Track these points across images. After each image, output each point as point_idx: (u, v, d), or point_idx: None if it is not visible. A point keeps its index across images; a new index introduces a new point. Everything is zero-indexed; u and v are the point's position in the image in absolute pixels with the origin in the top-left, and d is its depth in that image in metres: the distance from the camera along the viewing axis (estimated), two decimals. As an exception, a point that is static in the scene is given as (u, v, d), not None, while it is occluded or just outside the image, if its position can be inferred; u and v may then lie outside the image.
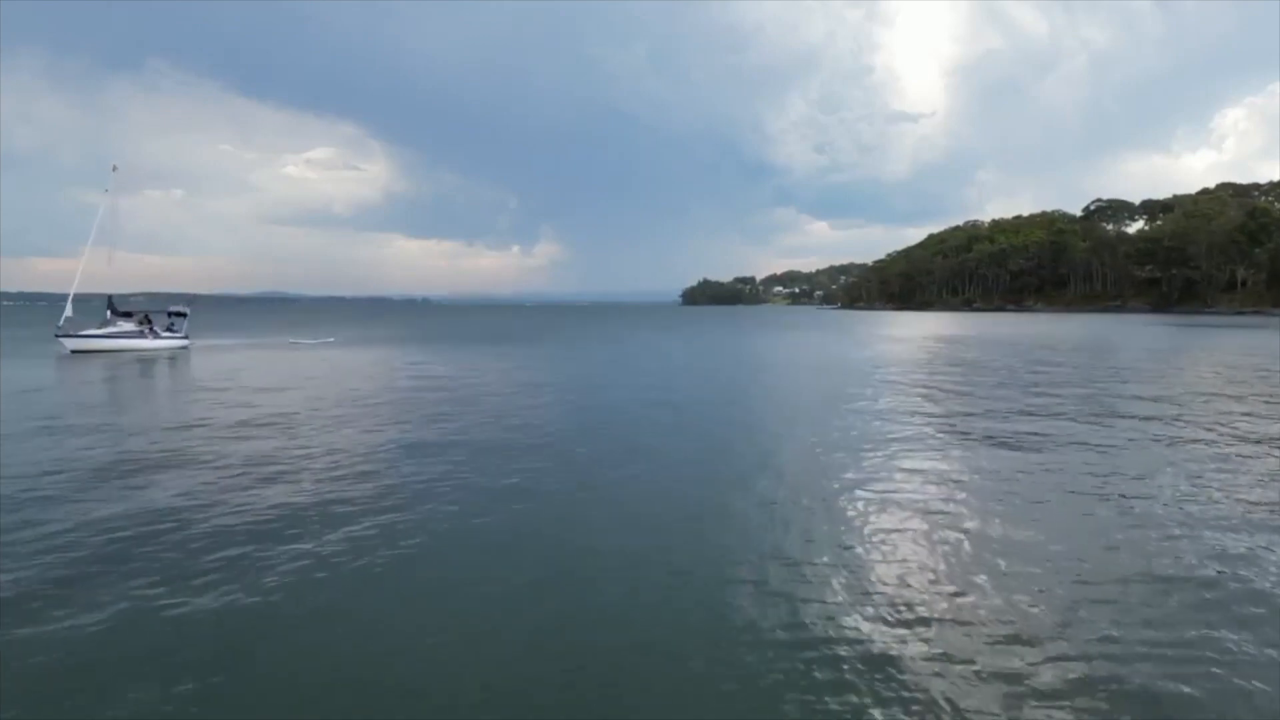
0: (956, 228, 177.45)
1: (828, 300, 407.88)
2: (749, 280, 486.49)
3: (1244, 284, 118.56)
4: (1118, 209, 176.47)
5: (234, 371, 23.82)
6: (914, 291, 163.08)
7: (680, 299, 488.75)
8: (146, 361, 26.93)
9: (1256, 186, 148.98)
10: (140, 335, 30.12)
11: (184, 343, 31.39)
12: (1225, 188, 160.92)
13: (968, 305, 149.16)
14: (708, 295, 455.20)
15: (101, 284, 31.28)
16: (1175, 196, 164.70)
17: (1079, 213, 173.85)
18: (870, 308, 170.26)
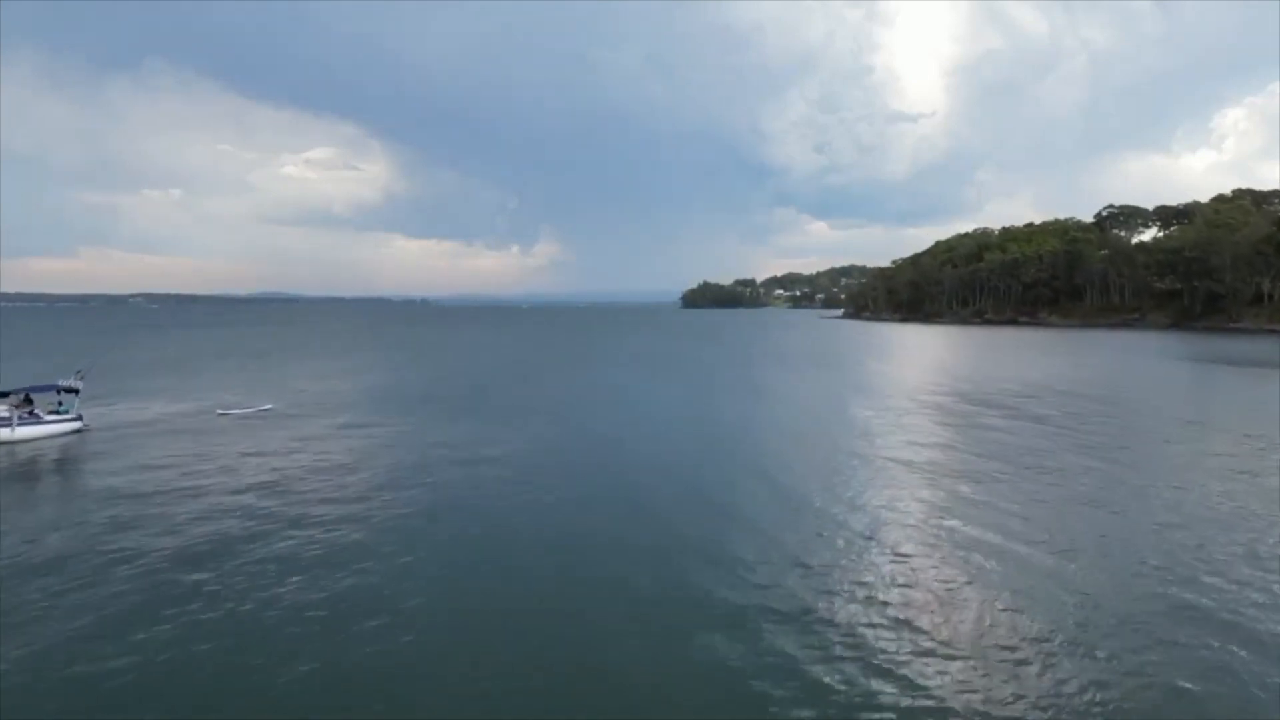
0: (965, 234, 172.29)
1: (829, 303, 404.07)
2: (749, 283, 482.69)
3: (1271, 298, 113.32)
4: (1130, 215, 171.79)
5: (122, 482, 18.64)
6: (922, 301, 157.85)
7: (680, 301, 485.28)
8: (20, 464, 21.50)
9: (1278, 194, 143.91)
10: (8, 423, 23.87)
11: (76, 425, 25.36)
12: (1244, 194, 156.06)
13: (979, 317, 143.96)
14: (708, 298, 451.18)
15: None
16: (1193, 203, 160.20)
17: (1086, 217, 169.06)
18: (877, 318, 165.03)
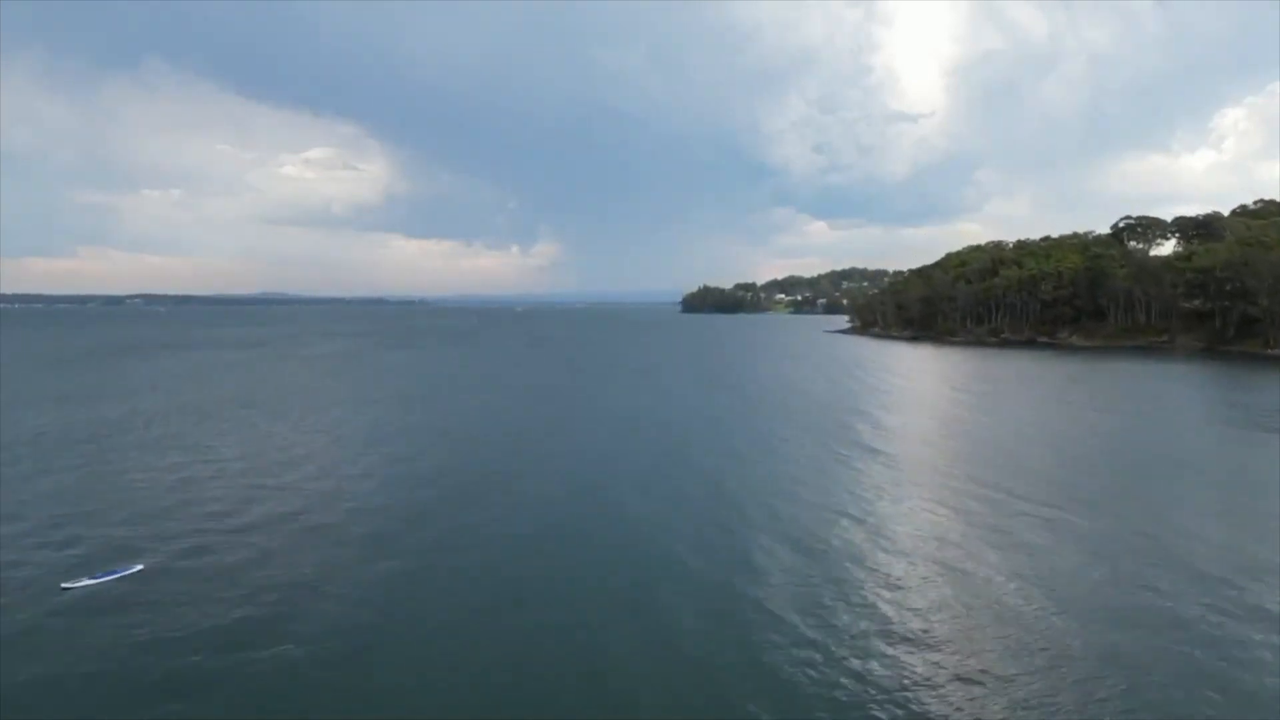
0: (977, 247, 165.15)
1: (831, 308, 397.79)
2: (750, 287, 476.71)
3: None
4: (1148, 226, 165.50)
5: None
6: (934, 318, 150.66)
7: (680, 305, 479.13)
8: None
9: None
10: None
11: None
12: (1268, 205, 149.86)
13: (995, 336, 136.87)
14: (709, 302, 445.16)
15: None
16: (1213, 213, 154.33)
17: (1087, 217, 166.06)
18: (886, 335, 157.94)
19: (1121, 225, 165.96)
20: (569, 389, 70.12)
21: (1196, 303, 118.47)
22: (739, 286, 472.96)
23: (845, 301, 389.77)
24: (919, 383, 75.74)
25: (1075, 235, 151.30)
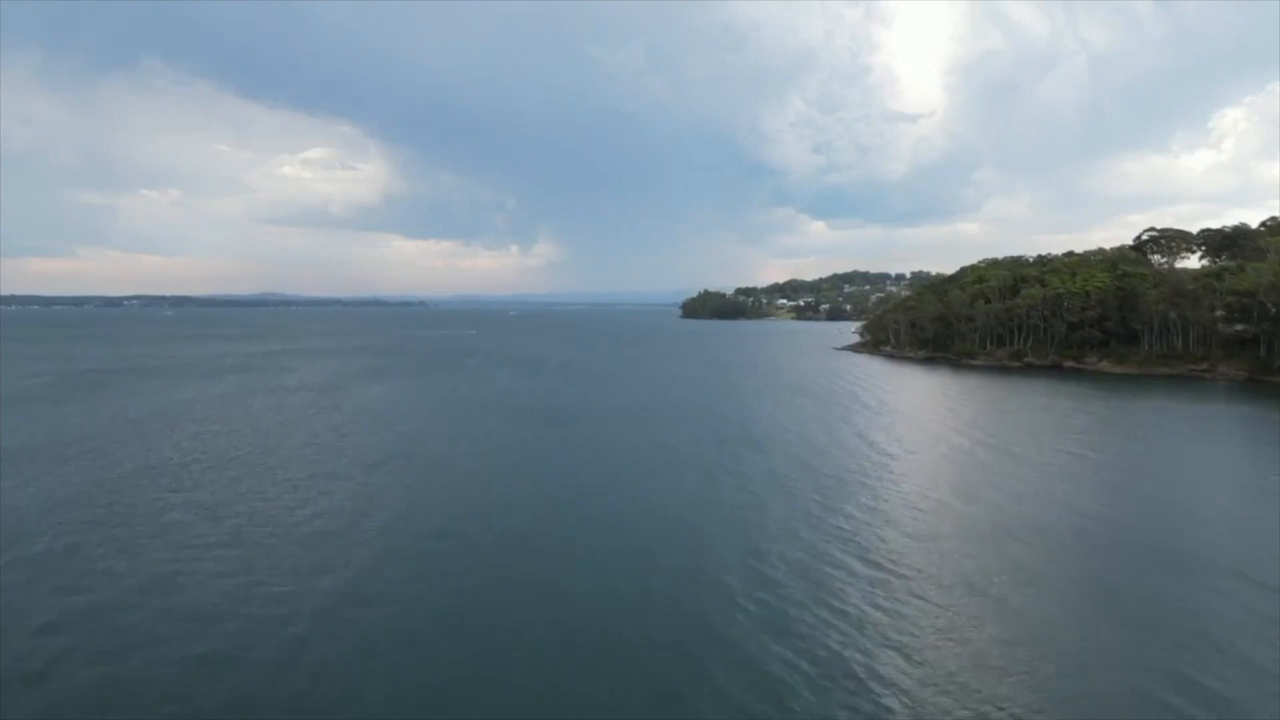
0: (996, 263, 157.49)
1: (834, 314, 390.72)
2: (751, 291, 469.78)
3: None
4: (1173, 239, 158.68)
5: None
6: (951, 338, 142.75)
7: (680, 309, 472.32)
8: None
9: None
10: None
11: None
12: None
13: (1017, 360, 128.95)
14: (709, 308, 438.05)
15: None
16: (1240, 225, 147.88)
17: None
18: (900, 356, 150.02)
19: (1145, 237, 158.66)
20: (563, 446, 62.13)
21: (1239, 328, 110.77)
22: (740, 291, 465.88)
23: (849, 308, 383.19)
24: (959, 433, 67.82)
25: (1101, 251, 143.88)
